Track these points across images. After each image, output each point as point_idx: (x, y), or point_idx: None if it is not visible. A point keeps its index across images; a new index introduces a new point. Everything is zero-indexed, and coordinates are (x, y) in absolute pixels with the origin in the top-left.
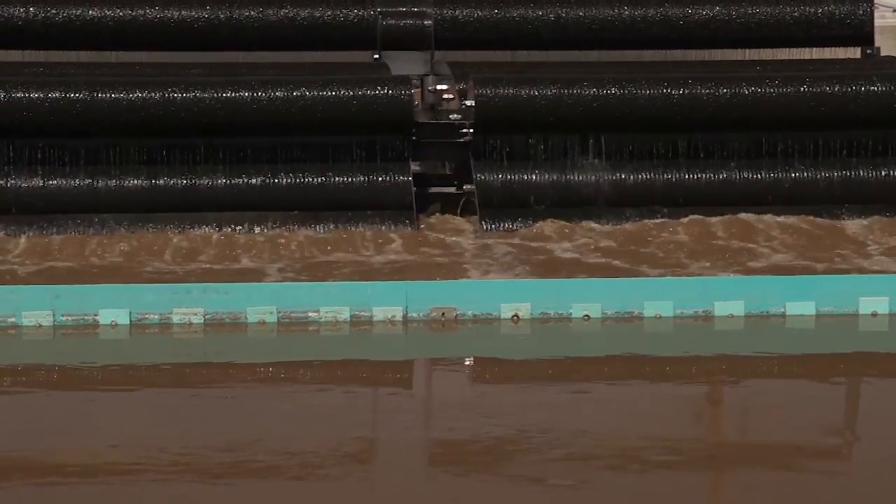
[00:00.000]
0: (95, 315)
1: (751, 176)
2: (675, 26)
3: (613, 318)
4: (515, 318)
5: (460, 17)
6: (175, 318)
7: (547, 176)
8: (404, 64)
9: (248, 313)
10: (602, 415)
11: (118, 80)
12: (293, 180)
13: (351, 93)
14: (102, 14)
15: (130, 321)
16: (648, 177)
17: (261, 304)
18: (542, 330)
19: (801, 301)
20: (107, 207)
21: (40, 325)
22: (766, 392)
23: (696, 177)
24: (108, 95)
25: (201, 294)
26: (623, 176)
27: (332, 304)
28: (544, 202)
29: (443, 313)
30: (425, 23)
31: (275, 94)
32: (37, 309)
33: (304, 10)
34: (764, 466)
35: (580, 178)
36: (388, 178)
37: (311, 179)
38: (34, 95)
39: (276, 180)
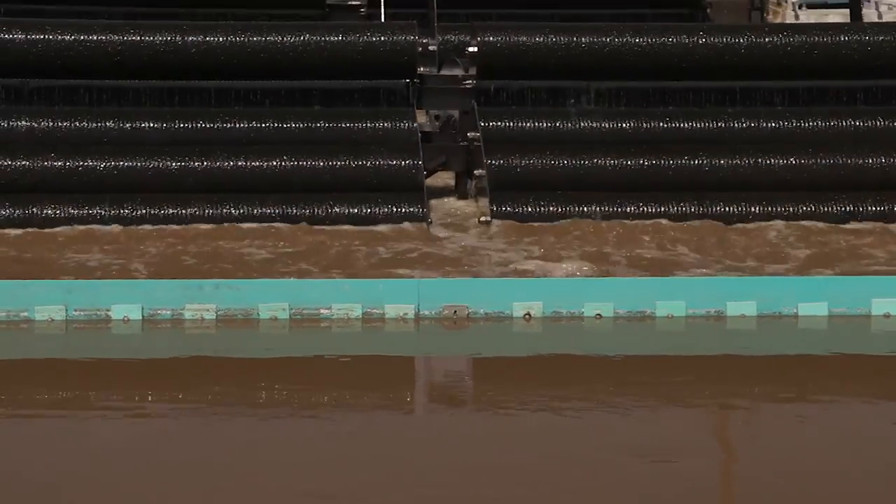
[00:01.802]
0: (108, 310)
1: (747, 123)
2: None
3: (625, 317)
4: (528, 316)
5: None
6: (187, 315)
7: (550, 122)
8: None
9: (260, 310)
10: (608, 414)
11: (129, 24)
12: (297, 124)
13: (355, 37)
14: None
15: (143, 317)
16: (648, 124)
17: (273, 300)
18: (554, 329)
19: (814, 302)
20: (120, 149)
21: (53, 320)
22: (776, 394)
23: (694, 124)
24: (120, 37)
25: (213, 290)
26: (624, 123)
27: (344, 301)
28: (548, 146)
29: (455, 311)
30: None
31: (281, 38)
32: (49, 303)
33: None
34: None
35: (583, 124)
36: (393, 124)
37: (315, 123)
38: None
39: (283, 124)
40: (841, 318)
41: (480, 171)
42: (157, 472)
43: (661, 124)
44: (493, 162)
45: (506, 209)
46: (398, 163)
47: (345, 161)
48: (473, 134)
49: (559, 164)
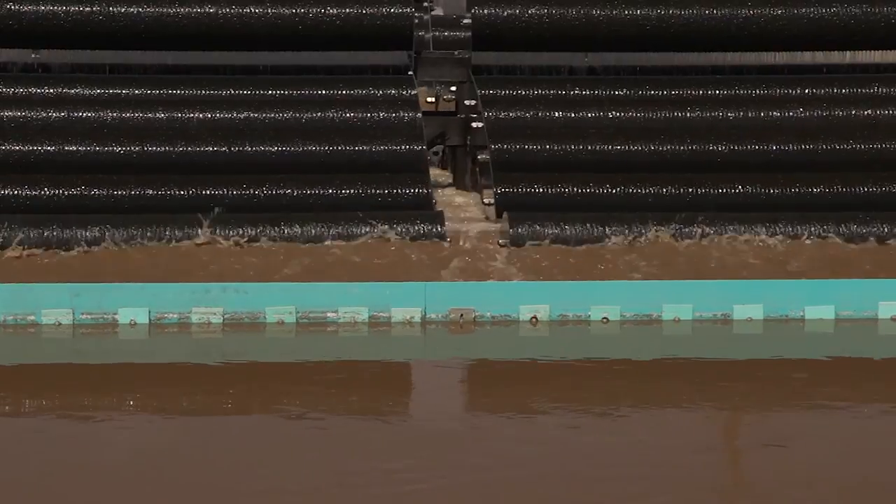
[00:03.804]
0: (115, 314)
1: (745, 93)
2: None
3: (632, 320)
4: (534, 319)
5: None
6: (194, 318)
7: (547, 91)
8: None
9: (266, 313)
10: (611, 416)
11: None
12: (297, 93)
13: (354, 10)
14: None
15: (150, 320)
16: (646, 94)
17: (280, 304)
18: (561, 332)
19: (821, 305)
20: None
21: (60, 324)
22: (780, 396)
23: (693, 92)
24: (125, 9)
25: (220, 293)
26: (621, 92)
27: (350, 304)
28: (546, 115)
29: (461, 314)
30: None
31: (281, 10)
32: (56, 307)
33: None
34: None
35: (581, 92)
36: (394, 93)
37: (316, 91)
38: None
39: (283, 92)
40: (848, 321)
41: (478, 123)
42: (162, 476)
43: (654, 91)
44: (491, 113)
45: (505, 147)
46: (398, 115)
47: (344, 114)
48: (470, 102)
49: (557, 116)
